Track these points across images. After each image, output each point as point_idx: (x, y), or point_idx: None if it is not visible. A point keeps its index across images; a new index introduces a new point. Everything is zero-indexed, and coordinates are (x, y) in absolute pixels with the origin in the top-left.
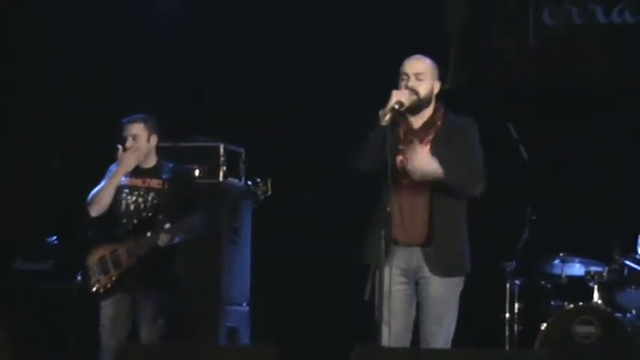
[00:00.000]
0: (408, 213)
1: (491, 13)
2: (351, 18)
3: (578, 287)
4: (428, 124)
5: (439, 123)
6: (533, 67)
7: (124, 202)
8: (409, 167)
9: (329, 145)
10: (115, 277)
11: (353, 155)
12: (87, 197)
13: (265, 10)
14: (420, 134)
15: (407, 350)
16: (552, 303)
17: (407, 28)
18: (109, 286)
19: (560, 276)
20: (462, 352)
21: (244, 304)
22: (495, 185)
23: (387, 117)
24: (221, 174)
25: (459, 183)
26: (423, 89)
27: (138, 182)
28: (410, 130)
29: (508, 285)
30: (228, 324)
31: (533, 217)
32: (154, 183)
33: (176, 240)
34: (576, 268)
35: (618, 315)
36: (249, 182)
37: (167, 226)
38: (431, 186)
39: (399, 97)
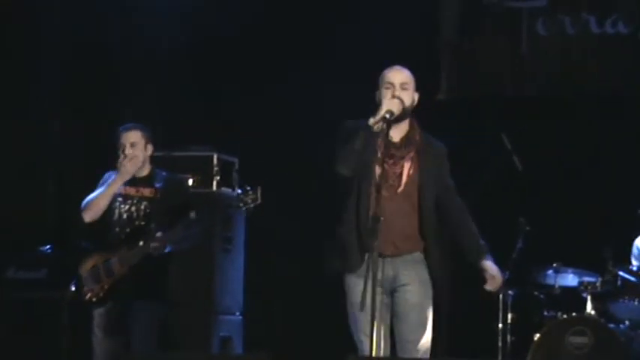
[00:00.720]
0: (385, 223)
1: (484, 23)
2: (346, 30)
3: (572, 298)
4: (407, 139)
5: (417, 138)
6: (527, 77)
7: (117, 211)
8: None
9: (323, 156)
10: (108, 286)
11: (341, 158)
12: (81, 204)
13: (260, 22)
14: (402, 150)
15: None
16: (545, 313)
17: (400, 40)
18: (101, 295)
19: (553, 286)
20: None
21: (237, 314)
22: (489, 195)
23: (378, 126)
24: (214, 183)
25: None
26: (408, 99)
27: (131, 191)
28: (390, 143)
29: (501, 295)
30: (221, 333)
31: (527, 228)
32: (147, 192)
33: (168, 249)
34: (569, 279)
35: (612, 326)
36: (239, 191)
37: (159, 234)
38: (409, 198)
39: (390, 106)
